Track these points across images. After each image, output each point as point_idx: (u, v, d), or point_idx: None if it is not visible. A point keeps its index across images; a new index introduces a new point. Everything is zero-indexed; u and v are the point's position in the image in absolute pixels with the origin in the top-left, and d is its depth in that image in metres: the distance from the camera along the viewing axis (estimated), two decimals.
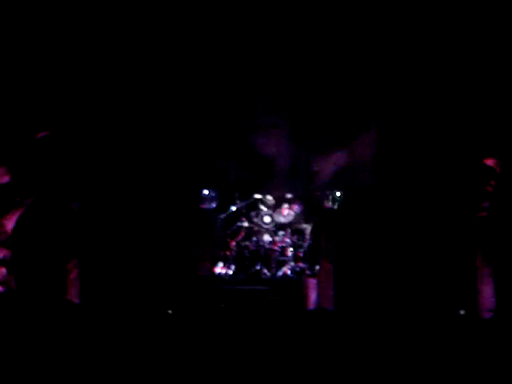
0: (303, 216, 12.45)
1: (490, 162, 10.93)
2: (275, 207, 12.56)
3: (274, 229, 12.42)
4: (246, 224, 12.48)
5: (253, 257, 11.98)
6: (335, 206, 11.95)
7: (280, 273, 11.84)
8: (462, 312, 9.81)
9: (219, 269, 12.15)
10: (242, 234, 12.43)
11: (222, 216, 12.68)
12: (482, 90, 11.42)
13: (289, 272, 11.83)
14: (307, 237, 12.14)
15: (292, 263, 11.89)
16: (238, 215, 12.61)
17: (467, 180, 11.28)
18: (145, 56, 13.01)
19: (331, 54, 12.96)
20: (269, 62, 13.26)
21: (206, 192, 12.53)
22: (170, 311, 10.18)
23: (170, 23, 12.91)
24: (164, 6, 12.61)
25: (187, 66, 13.40)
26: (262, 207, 12.49)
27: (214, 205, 12.55)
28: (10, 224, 11.83)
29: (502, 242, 10.85)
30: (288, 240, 12.08)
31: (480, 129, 11.25)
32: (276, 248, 12.00)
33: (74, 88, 12.64)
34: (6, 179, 11.62)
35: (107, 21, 12.70)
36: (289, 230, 12.29)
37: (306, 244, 12.06)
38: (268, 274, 11.87)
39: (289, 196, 12.58)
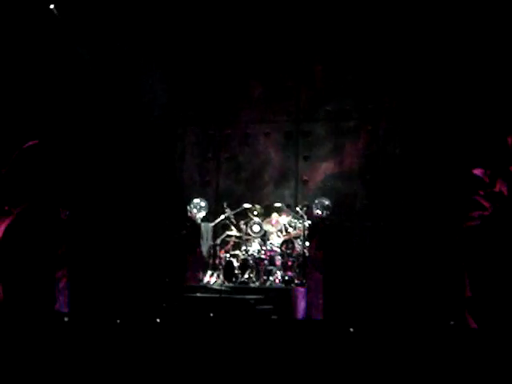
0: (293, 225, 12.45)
1: (477, 172, 10.97)
2: (264, 216, 12.55)
3: (263, 238, 12.40)
4: (234, 233, 12.48)
5: (241, 266, 11.97)
6: (324, 215, 11.95)
7: (269, 282, 11.82)
8: (451, 322, 9.79)
9: (208, 278, 12.14)
10: (231, 243, 12.43)
11: (211, 225, 12.69)
12: (470, 101, 11.48)
13: (278, 281, 11.82)
14: (296, 246, 12.14)
15: (281, 272, 11.88)
16: (227, 224, 12.61)
17: (455, 190, 11.33)
18: (129, 67, 13.07)
19: (319, 62, 13.02)
20: (258, 71, 13.32)
21: (195, 201, 12.53)
22: (158, 320, 10.15)
23: (156, 26, 12.98)
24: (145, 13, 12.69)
25: (175, 74, 13.45)
26: (251, 216, 12.49)
27: (202, 214, 12.55)
28: None
29: (489, 251, 10.89)
30: (277, 249, 12.07)
31: (468, 138, 11.30)
32: (265, 257, 11.99)
33: (62, 97, 12.67)
34: None
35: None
36: (278, 239, 12.28)
37: (294, 253, 12.06)
38: (257, 283, 11.85)
39: (278, 205, 12.57)
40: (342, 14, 12.47)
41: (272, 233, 12.36)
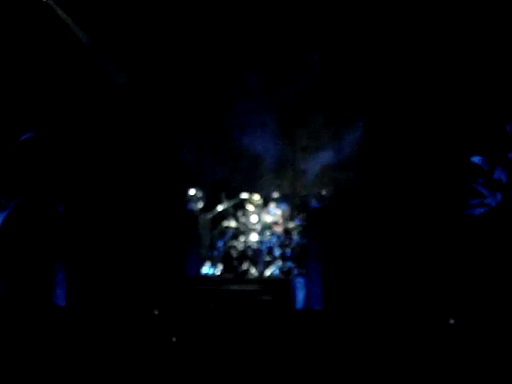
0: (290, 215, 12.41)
1: (476, 159, 10.95)
2: (262, 207, 12.52)
3: (261, 228, 12.37)
4: (233, 224, 12.45)
5: (240, 256, 11.95)
6: (322, 205, 11.95)
7: (267, 272, 11.81)
8: (451, 321, 9.74)
9: (207, 269, 12.12)
10: (230, 233, 12.40)
11: (209, 216, 12.65)
12: (468, 89, 11.45)
13: (276, 271, 11.79)
14: (294, 236, 12.11)
15: (279, 263, 11.86)
16: (224, 215, 12.57)
17: (454, 178, 11.31)
18: (129, 56, 13.01)
19: (317, 55, 12.97)
20: (255, 61, 13.25)
21: (192, 192, 12.50)
22: (156, 312, 10.14)
23: (157, 23, 12.94)
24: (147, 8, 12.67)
25: (172, 66, 13.40)
26: (249, 207, 12.45)
27: (200, 205, 12.52)
28: None
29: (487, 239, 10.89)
30: (275, 239, 12.05)
31: (466, 127, 11.28)
32: (263, 247, 11.97)
33: (58, 91, 12.61)
34: None
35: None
36: (276, 230, 12.25)
37: (293, 243, 12.03)
38: (255, 273, 11.84)
39: (275, 195, 12.54)
40: (340, 1, 12.43)
41: (271, 224, 12.33)
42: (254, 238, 12.19)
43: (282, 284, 11.46)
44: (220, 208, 12.60)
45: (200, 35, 13.21)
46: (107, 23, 12.95)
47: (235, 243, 12.18)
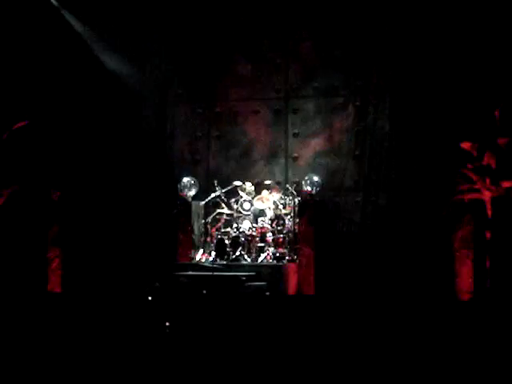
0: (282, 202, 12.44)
1: (466, 145, 11.01)
2: (255, 194, 12.56)
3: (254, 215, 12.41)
4: (225, 211, 12.48)
5: (233, 243, 11.98)
6: (314, 192, 12.03)
7: (260, 258, 11.86)
8: None
9: (200, 255, 12.17)
10: (222, 220, 12.44)
11: (202, 203, 12.68)
12: (457, 75, 11.49)
13: (269, 258, 11.84)
14: (287, 222, 12.16)
15: (272, 249, 11.91)
16: (217, 202, 12.60)
17: (444, 163, 11.36)
18: (121, 42, 13.04)
19: (308, 38, 13.01)
20: (247, 48, 13.29)
21: (185, 180, 12.55)
22: (149, 298, 10.22)
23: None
24: None
25: (164, 54, 13.44)
26: (242, 194, 12.49)
27: (193, 192, 12.56)
28: None
29: (481, 225, 10.97)
30: (268, 226, 12.09)
31: (456, 112, 11.32)
32: (256, 234, 12.00)
33: (51, 79, 12.63)
34: None
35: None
36: (268, 216, 12.29)
37: (285, 229, 12.08)
38: (248, 259, 11.88)
39: (268, 182, 12.57)
40: None
41: (264, 210, 12.35)
42: (246, 224, 12.22)
43: (274, 270, 11.51)
44: (213, 195, 12.61)
45: (192, 23, 13.24)
46: (99, 9, 12.99)
47: (228, 230, 12.22)
